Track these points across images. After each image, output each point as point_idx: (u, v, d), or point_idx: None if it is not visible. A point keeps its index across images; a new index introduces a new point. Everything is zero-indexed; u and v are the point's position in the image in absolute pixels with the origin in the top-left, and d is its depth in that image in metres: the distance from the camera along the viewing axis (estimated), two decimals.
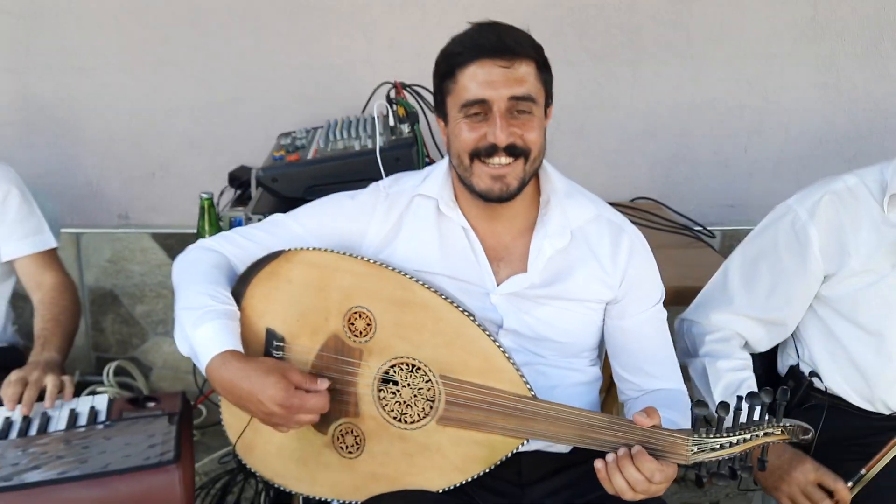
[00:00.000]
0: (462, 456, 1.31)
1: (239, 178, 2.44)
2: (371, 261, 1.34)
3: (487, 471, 1.31)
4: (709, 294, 1.66)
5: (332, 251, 1.37)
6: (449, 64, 1.33)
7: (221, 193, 2.45)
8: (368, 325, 1.33)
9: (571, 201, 1.45)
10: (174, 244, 2.59)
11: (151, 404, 1.56)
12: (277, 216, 1.53)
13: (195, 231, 2.56)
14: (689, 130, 2.67)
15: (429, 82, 2.17)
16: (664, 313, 1.49)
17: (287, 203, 2.00)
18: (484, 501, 1.40)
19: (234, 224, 2.03)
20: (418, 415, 1.32)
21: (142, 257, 2.58)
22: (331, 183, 1.97)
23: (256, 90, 2.48)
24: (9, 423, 1.48)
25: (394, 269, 1.33)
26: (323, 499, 1.44)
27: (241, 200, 2.34)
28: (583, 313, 1.44)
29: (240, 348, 1.30)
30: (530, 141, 1.31)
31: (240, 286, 1.40)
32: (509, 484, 1.43)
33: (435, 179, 1.46)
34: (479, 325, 1.28)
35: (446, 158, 1.48)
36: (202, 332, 1.30)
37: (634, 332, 1.46)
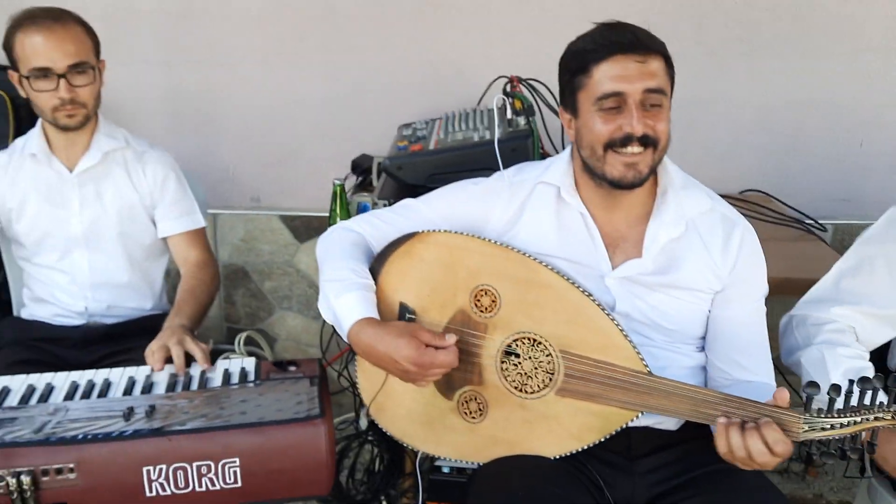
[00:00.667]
0: (578, 425, 1.42)
1: (361, 166, 2.61)
2: (497, 243, 1.47)
3: (602, 440, 1.42)
4: (824, 288, 1.68)
5: (461, 233, 1.50)
6: (582, 60, 1.43)
7: (345, 179, 2.63)
8: (493, 301, 1.46)
9: (687, 193, 1.53)
10: (300, 226, 2.79)
11: (293, 368, 1.74)
12: (408, 201, 1.68)
13: (327, 214, 2.77)
14: (804, 124, 2.66)
15: (545, 77, 2.30)
16: (764, 310, 1.55)
17: (409, 190, 2.15)
18: (595, 470, 1.51)
19: (361, 208, 2.20)
20: (538, 385, 1.44)
21: (271, 237, 2.80)
22: (451, 171, 2.11)
23: (379, 83, 2.65)
24: (174, 379, 1.70)
25: (518, 251, 1.45)
26: (440, 459, 1.57)
27: (362, 186, 2.51)
28: (691, 302, 1.52)
29: (376, 316, 1.46)
30: (660, 131, 1.41)
31: (377, 263, 1.56)
32: (619, 456, 1.52)
33: (557, 168, 1.57)
34: (598, 305, 1.39)
35: (568, 149, 1.59)
36: (343, 301, 1.47)
37: (733, 324, 1.53)
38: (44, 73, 1.78)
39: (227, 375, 1.71)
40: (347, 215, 2.12)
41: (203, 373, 1.71)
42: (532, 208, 1.56)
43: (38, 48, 1.77)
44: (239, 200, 2.77)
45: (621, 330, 1.38)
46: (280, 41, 2.61)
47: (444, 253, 1.50)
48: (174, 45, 2.61)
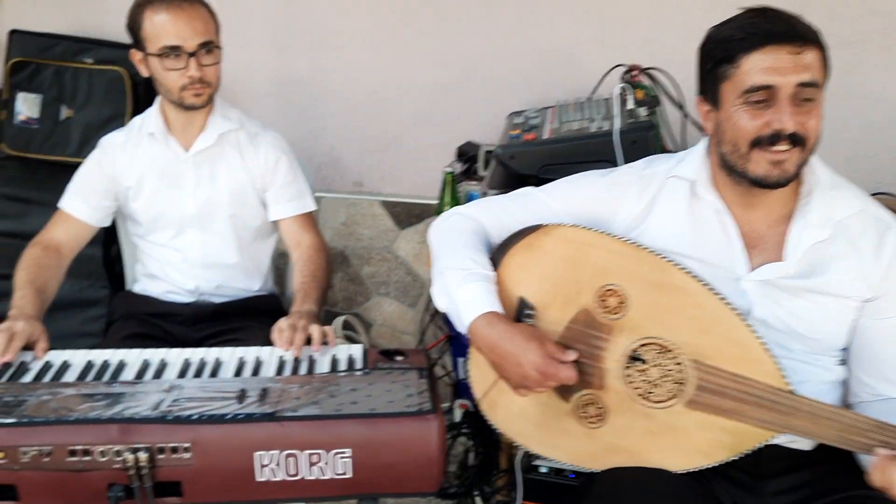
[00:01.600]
0: (708, 440, 1.33)
1: (467, 153, 2.56)
2: (629, 241, 1.39)
3: (734, 458, 1.32)
4: None
5: (588, 228, 1.43)
6: (729, 48, 1.33)
7: (449, 166, 2.59)
8: (621, 303, 1.38)
9: (836, 193, 1.41)
10: (401, 212, 2.76)
11: (400, 358, 1.71)
12: (529, 189, 1.61)
13: (429, 201, 2.73)
14: None
15: (665, 65, 2.18)
16: None
17: (519, 180, 2.08)
18: (721, 488, 1.42)
19: (470, 197, 2.15)
20: (665, 395, 1.36)
21: (371, 222, 2.79)
22: (565, 163, 2.03)
23: (486, 70, 2.58)
24: (282, 361, 1.69)
25: (652, 251, 1.36)
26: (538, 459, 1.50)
27: (467, 174, 2.46)
28: (837, 310, 1.40)
29: (501, 310, 1.41)
30: (811, 128, 1.30)
31: (497, 254, 1.50)
32: (746, 475, 1.43)
33: (691, 162, 1.47)
34: (738, 314, 1.29)
35: (703, 142, 1.50)
36: (466, 291, 1.42)
37: (884, 335, 1.40)
38: (174, 51, 1.79)
39: (334, 362, 1.69)
40: (457, 204, 2.07)
41: (311, 357, 1.70)
42: (663, 204, 1.47)
43: (168, 26, 1.78)
44: (341, 184, 2.76)
45: (763, 343, 1.28)
46: (387, 25, 2.58)
47: (570, 248, 1.42)
48: (284, 28, 2.61)
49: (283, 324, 1.72)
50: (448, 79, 2.60)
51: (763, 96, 1.29)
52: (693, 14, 2.44)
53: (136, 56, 1.87)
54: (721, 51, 1.35)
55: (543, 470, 2.15)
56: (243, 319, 2.00)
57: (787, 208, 1.42)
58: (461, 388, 2.66)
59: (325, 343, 1.70)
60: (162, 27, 1.78)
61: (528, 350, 1.34)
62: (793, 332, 1.40)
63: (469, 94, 2.61)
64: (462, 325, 1.44)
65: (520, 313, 1.47)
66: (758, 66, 1.29)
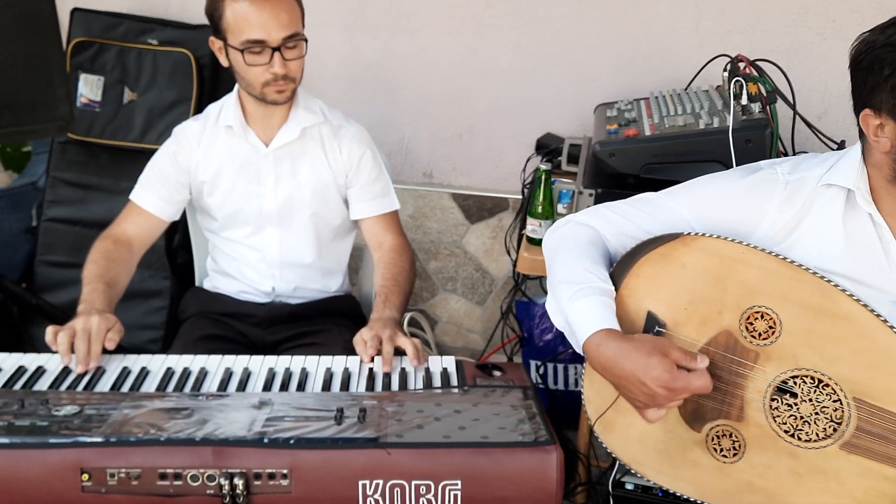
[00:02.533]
0: (865, 490, 1.19)
1: (546, 146, 2.41)
2: (788, 259, 1.24)
3: None
4: None
5: (737, 241, 1.28)
6: None
7: (528, 161, 2.45)
8: (771, 327, 1.23)
9: None
10: (472, 206, 2.63)
11: (498, 373, 1.59)
12: (649, 195, 1.46)
13: (501, 195, 2.59)
14: None
15: (767, 56, 2.01)
16: None
17: (618, 179, 1.94)
18: None
19: (561, 196, 2.01)
20: (817, 434, 1.22)
21: (441, 215, 2.65)
22: (670, 161, 1.88)
23: (571, 58, 2.42)
24: (372, 375, 1.58)
25: (815, 273, 1.21)
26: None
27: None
28: None
29: (617, 327, 1.28)
30: None
31: (625, 263, 1.36)
32: None
33: (846, 168, 1.31)
34: None
35: (856, 148, 1.33)
36: (580, 306, 1.29)
37: None
38: (257, 45, 1.65)
39: (428, 376, 1.58)
40: (551, 204, 1.93)
41: (403, 370, 1.59)
42: (814, 215, 1.31)
43: (251, 19, 1.63)
44: (410, 174, 2.63)
45: None
46: (465, 7, 2.42)
47: (713, 262, 1.28)
48: (357, 9, 2.47)
49: (366, 335, 1.61)
50: (529, 66, 2.44)
51: None
52: (797, 2, 2.26)
53: (215, 44, 1.73)
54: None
55: (630, 486, 2.04)
56: (321, 321, 1.89)
57: None
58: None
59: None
60: (245, 19, 1.64)
61: (650, 366, 1.20)
62: None
63: (550, 82, 2.46)
64: (576, 343, 1.31)
65: (647, 330, 1.33)
66: None
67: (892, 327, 1.17)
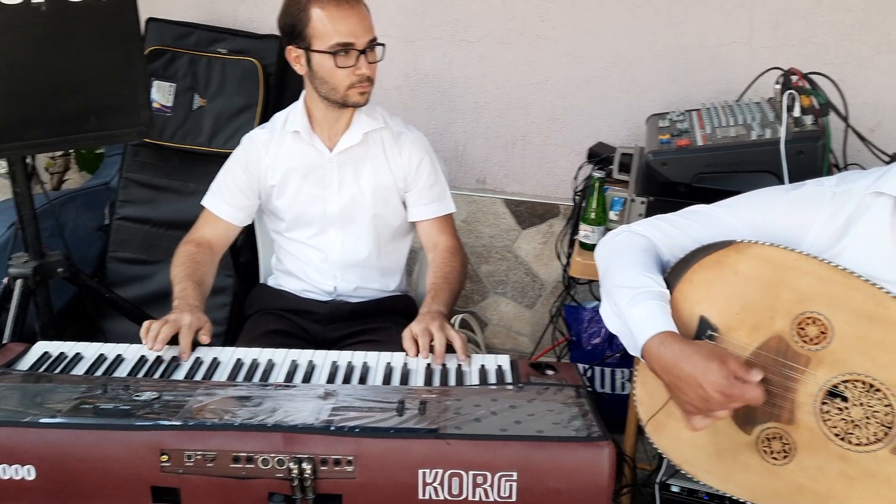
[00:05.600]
0: None
1: (598, 155, 2.46)
2: (839, 267, 1.27)
3: None
4: None
5: (789, 249, 1.32)
6: None
7: (580, 168, 2.50)
8: (823, 332, 1.27)
9: None
10: (524, 212, 2.69)
11: (550, 372, 1.64)
12: (701, 207, 1.51)
13: (553, 201, 2.64)
14: None
15: (819, 69, 2.03)
16: None
17: (669, 187, 1.98)
18: None
19: (614, 204, 2.05)
20: (868, 438, 1.24)
21: (493, 221, 2.72)
22: (722, 172, 1.92)
23: (624, 68, 2.47)
24: (430, 370, 1.64)
25: (866, 281, 1.24)
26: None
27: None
28: None
29: (675, 330, 1.32)
30: None
31: (678, 269, 1.41)
32: None
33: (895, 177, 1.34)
34: None
35: None
36: (639, 310, 1.34)
37: None
38: (346, 48, 1.74)
39: (483, 373, 1.63)
40: (604, 211, 1.98)
41: (459, 367, 1.65)
42: (861, 223, 1.34)
43: (340, 23, 1.73)
44: (464, 181, 2.70)
45: None
46: (522, 20, 2.49)
47: (765, 269, 1.32)
48: (416, 20, 2.56)
49: (415, 328, 1.67)
50: (583, 76, 2.50)
51: None
52: (853, 13, 2.28)
53: (292, 53, 1.81)
54: None
55: (675, 489, 2.06)
56: (380, 320, 1.97)
57: None
58: None
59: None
60: (333, 24, 1.73)
61: (709, 370, 1.25)
62: None
63: (603, 92, 2.51)
64: (635, 346, 1.36)
65: (700, 334, 1.38)
66: None
67: None
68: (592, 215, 1.98)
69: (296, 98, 1.95)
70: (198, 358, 1.67)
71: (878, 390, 1.23)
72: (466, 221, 2.73)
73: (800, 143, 1.82)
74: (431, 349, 1.65)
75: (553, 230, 2.67)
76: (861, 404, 1.24)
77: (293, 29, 1.77)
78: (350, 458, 1.34)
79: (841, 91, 2.00)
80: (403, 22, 2.55)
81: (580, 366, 2.60)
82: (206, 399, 1.47)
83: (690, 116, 2.16)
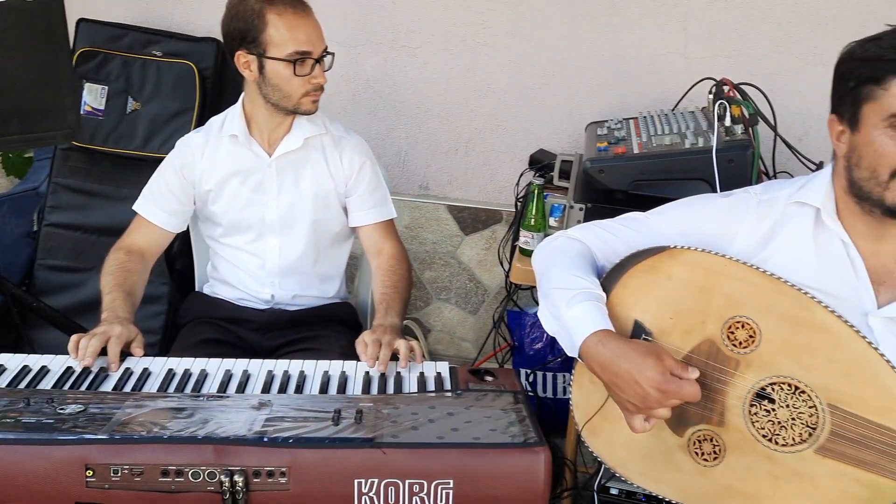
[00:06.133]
0: (839, 492, 1.25)
1: (539, 162, 2.49)
2: (767, 272, 1.31)
3: None
4: None
5: (720, 255, 1.35)
6: (877, 69, 1.24)
7: (522, 175, 2.52)
8: (751, 336, 1.30)
9: None
10: (467, 217, 2.69)
11: (490, 378, 1.64)
12: (637, 213, 1.54)
13: (495, 207, 2.65)
14: None
15: (750, 80, 2.09)
16: None
17: (607, 194, 2.01)
18: None
19: (553, 210, 2.07)
20: (793, 439, 1.28)
21: (436, 227, 2.72)
22: (657, 179, 1.95)
23: (564, 77, 2.50)
24: (368, 378, 1.63)
25: (792, 286, 1.28)
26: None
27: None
28: None
29: (613, 329, 1.34)
30: None
31: (614, 274, 1.43)
32: None
33: (816, 188, 1.39)
34: (887, 361, 1.21)
35: (828, 167, 1.41)
36: (576, 311, 1.35)
37: None
38: (304, 57, 1.73)
39: (422, 380, 1.63)
40: (543, 217, 2.00)
41: (398, 374, 1.64)
42: (785, 231, 1.39)
43: (298, 32, 1.71)
44: (407, 186, 2.69)
45: None
46: (463, 27, 2.50)
47: (697, 274, 1.34)
48: (357, 25, 2.54)
49: (367, 338, 1.66)
50: (524, 84, 2.52)
51: None
52: (782, 26, 2.35)
53: (242, 58, 1.76)
54: (867, 70, 1.26)
55: (614, 491, 2.09)
56: (318, 328, 1.94)
57: None
58: None
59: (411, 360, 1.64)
60: (291, 32, 1.71)
61: (646, 367, 1.26)
62: None
63: (544, 100, 2.54)
64: (573, 346, 1.37)
65: (635, 338, 1.39)
66: None
67: (864, 338, 1.23)
68: (532, 221, 1.99)
69: (233, 102, 1.91)
70: (127, 369, 1.62)
71: (802, 392, 1.26)
72: (409, 227, 2.72)
73: (730, 151, 1.87)
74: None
75: (496, 236, 2.68)
76: (787, 406, 1.28)
77: (245, 34, 1.73)
78: (284, 469, 1.32)
79: (770, 101, 2.06)
80: (345, 27, 2.54)
81: (523, 371, 2.63)
82: (135, 411, 1.43)
83: (628, 125, 2.19)
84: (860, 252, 1.34)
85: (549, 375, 2.60)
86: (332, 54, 1.80)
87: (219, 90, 2.45)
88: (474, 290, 2.77)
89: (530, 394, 2.58)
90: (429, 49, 2.53)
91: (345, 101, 2.62)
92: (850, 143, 1.31)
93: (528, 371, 2.60)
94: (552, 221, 2.07)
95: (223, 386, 1.58)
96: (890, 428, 1.20)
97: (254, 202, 1.89)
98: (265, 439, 1.34)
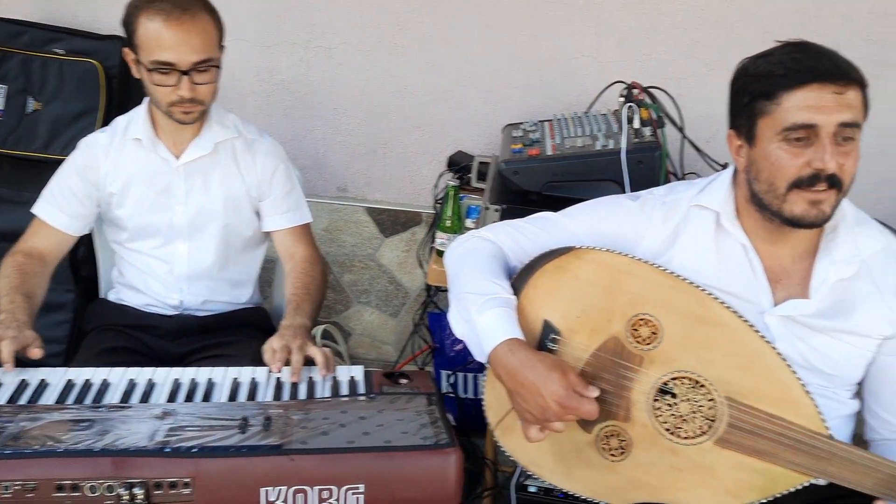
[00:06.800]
0: (737, 481, 1.29)
1: (458, 163, 2.50)
2: (668, 271, 1.34)
3: (763, 501, 1.29)
4: None
5: (624, 254, 1.38)
6: (769, 84, 1.29)
7: (440, 176, 2.53)
8: (654, 333, 1.33)
9: (861, 230, 1.40)
10: (386, 220, 2.68)
11: (405, 381, 1.63)
12: (548, 214, 1.56)
13: (414, 209, 2.65)
14: None
15: (661, 83, 2.15)
16: None
17: (522, 195, 2.03)
18: None
19: (469, 212, 2.08)
20: (694, 431, 1.31)
21: (355, 229, 2.69)
22: (570, 180, 1.99)
23: (481, 79, 2.51)
24: (279, 384, 1.59)
25: (692, 284, 1.32)
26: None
27: (460, 185, 2.39)
28: (859, 347, 1.39)
29: (522, 337, 1.35)
30: (848, 171, 1.28)
31: (523, 275, 1.44)
32: None
33: (716, 192, 1.44)
34: (779, 355, 1.26)
35: (728, 172, 1.46)
36: (487, 317, 1.36)
37: None
38: (167, 68, 1.64)
39: (335, 385, 1.61)
40: (459, 219, 2.01)
41: (310, 379, 1.61)
42: (688, 233, 1.44)
43: (163, 40, 1.62)
44: (325, 188, 2.66)
45: (803, 385, 1.25)
46: (379, 28, 2.49)
47: (603, 274, 1.37)
48: (271, 25, 2.50)
49: (275, 343, 1.62)
50: (442, 86, 2.52)
51: (803, 134, 1.26)
52: (689, 32, 2.42)
53: (128, 55, 1.72)
54: (760, 86, 1.31)
55: (533, 489, 2.11)
56: (230, 333, 1.89)
57: (811, 243, 1.40)
58: (444, 402, 2.60)
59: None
60: (156, 39, 1.62)
61: (550, 380, 1.28)
62: (813, 367, 1.38)
63: (461, 102, 2.55)
64: (482, 352, 1.38)
65: (544, 337, 1.41)
66: (800, 104, 1.25)
67: (758, 332, 1.28)
68: (448, 223, 2.00)
69: (141, 102, 1.85)
70: (23, 380, 1.54)
71: (702, 386, 1.30)
72: (328, 230, 2.69)
73: (639, 153, 1.92)
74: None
75: (416, 238, 2.68)
76: (688, 400, 1.31)
77: (127, 31, 1.68)
78: (187, 479, 1.28)
79: (677, 104, 2.13)
80: (258, 26, 2.49)
81: (444, 372, 2.63)
82: (29, 424, 1.36)
83: (543, 127, 2.22)
84: (758, 253, 1.40)
85: (470, 376, 2.61)
86: (217, 67, 1.70)
87: (126, 90, 2.36)
88: (395, 292, 2.76)
89: (451, 395, 2.58)
90: (345, 50, 2.50)
91: (260, 102, 2.57)
92: (749, 157, 1.35)
93: (450, 372, 2.60)
94: (469, 223, 2.08)
95: (126, 396, 1.53)
96: (782, 418, 1.25)
97: (160, 207, 1.83)
98: (167, 449, 1.30)
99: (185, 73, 1.65)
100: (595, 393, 1.30)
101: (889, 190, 2.53)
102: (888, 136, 2.47)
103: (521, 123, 2.28)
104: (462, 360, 2.59)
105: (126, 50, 1.72)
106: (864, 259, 1.38)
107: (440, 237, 2.03)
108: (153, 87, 1.68)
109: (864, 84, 1.29)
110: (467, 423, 2.49)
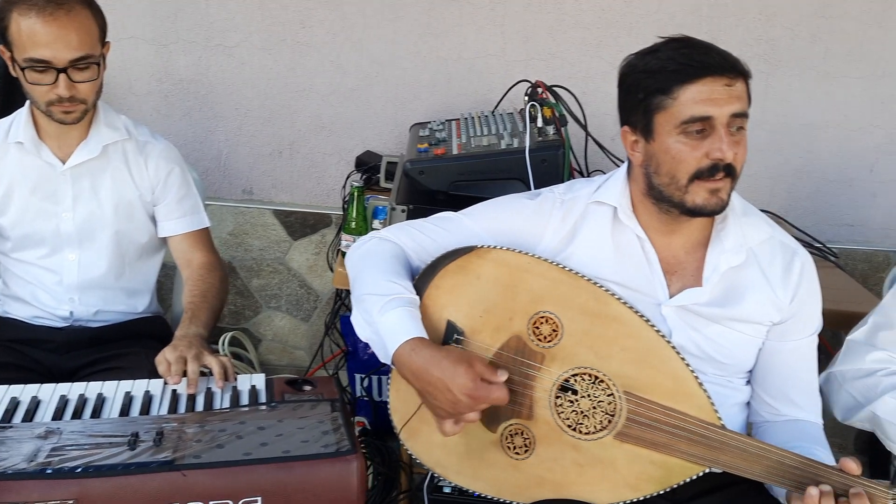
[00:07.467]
0: (636, 474, 1.31)
1: (366, 163, 2.47)
2: (566, 268, 1.35)
3: (661, 492, 1.31)
4: (859, 341, 1.57)
5: (524, 253, 1.38)
6: (663, 80, 1.31)
7: (348, 177, 2.49)
8: (554, 330, 1.34)
9: (748, 220, 1.45)
10: (294, 222, 2.62)
11: (308, 388, 1.59)
12: (449, 213, 1.55)
13: (323, 210, 2.60)
14: (816, 146, 2.61)
15: (564, 82, 2.18)
16: (816, 344, 1.48)
17: (428, 195, 2.01)
18: None
19: (377, 212, 2.05)
20: (595, 427, 1.33)
21: (262, 232, 2.63)
22: (475, 179, 1.99)
23: (388, 78, 2.49)
24: (176, 396, 1.53)
25: (589, 280, 1.33)
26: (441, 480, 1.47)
27: (368, 185, 2.37)
28: (749, 335, 1.44)
29: (425, 336, 1.34)
30: (740, 159, 1.32)
31: (426, 275, 1.43)
32: (662, 499, 1.43)
33: (612, 188, 1.46)
34: (673, 348, 1.28)
35: (622, 168, 1.49)
36: (389, 318, 1.34)
37: (789, 357, 1.45)
38: (42, 65, 1.56)
39: (235, 395, 1.55)
40: (364, 220, 1.98)
41: (208, 390, 1.55)
42: (586, 229, 1.45)
43: (37, 37, 1.54)
44: (230, 191, 2.58)
45: (696, 377, 1.27)
46: (282, 26, 2.44)
47: (503, 272, 1.37)
48: (167, 22, 2.41)
49: (169, 355, 1.55)
50: (348, 85, 2.49)
51: (700, 127, 1.29)
52: (590, 33, 2.47)
53: (5, 54, 1.62)
54: (654, 82, 1.33)
55: (447, 490, 2.10)
56: (125, 345, 1.81)
57: (703, 234, 1.44)
58: (359, 406, 2.57)
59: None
60: (29, 36, 1.54)
61: (457, 374, 1.27)
62: (708, 357, 1.42)
63: (368, 101, 2.52)
64: (386, 353, 1.35)
65: (448, 338, 1.40)
66: (696, 98, 1.28)
67: (653, 326, 1.30)
68: (353, 225, 1.97)
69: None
70: None
71: (601, 381, 1.31)
72: (234, 234, 2.61)
73: (543, 151, 1.93)
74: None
75: (325, 240, 2.63)
76: (588, 395, 1.32)
77: (0, 28, 1.59)
78: (70, 501, 1.21)
79: (580, 103, 2.16)
80: (153, 24, 2.39)
81: (357, 376, 2.59)
82: None
83: (450, 126, 2.22)
84: (654, 245, 1.42)
85: (385, 379, 2.59)
86: (98, 64, 1.63)
87: (10, 90, 2.23)
88: (305, 296, 2.70)
89: (365, 399, 2.55)
90: (246, 48, 2.44)
91: (157, 102, 2.47)
92: (646, 151, 1.38)
93: (363, 376, 2.57)
94: (377, 224, 2.06)
95: (7, 415, 1.43)
96: (676, 410, 1.27)
97: (46, 213, 1.73)
98: (48, 471, 1.22)
99: (62, 70, 1.57)
100: (504, 377, 1.30)
101: (783, 184, 2.65)
102: (781, 132, 2.58)
103: (429, 123, 2.27)
104: (376, 363, 2.56)
105: (1, 48, 1.62)
106: (752, 247, 1.42)
107: (345, 239, 2.00)
108: (30, 86, 1.60)
109: (749, 76, 1.34)
110: (383, 426, 2.47)
